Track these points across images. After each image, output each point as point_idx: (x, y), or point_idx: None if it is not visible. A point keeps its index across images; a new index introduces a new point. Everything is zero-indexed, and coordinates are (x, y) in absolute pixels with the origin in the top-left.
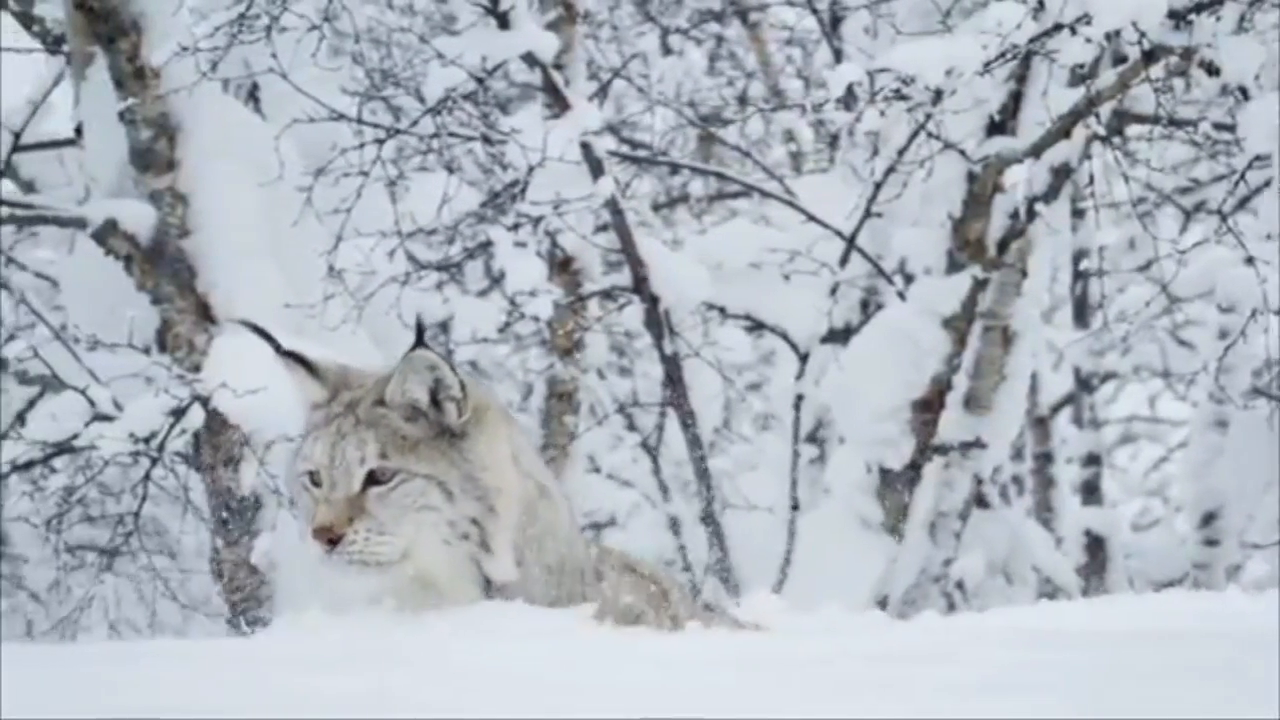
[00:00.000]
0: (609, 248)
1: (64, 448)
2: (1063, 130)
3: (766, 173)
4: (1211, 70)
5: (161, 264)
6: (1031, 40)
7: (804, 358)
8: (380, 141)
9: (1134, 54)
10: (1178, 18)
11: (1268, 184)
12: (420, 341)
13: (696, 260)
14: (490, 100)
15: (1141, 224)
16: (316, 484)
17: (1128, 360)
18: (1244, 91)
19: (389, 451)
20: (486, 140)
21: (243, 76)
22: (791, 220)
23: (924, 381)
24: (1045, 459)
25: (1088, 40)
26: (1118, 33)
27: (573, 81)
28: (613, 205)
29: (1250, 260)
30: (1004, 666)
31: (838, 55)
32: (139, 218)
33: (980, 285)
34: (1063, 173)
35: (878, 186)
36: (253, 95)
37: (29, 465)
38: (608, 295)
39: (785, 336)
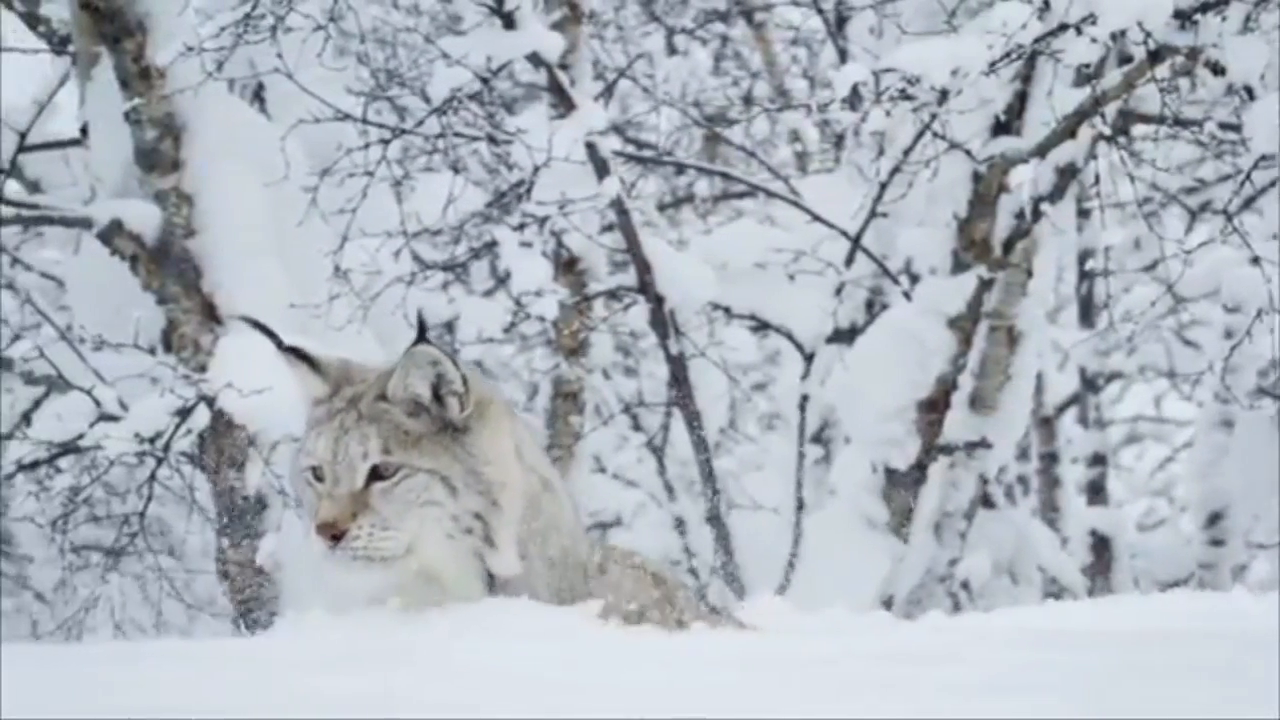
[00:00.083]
0: (614, 248)
1: (69, 448)
2: (1068, 130)
3: (772, 173)
4: (1217, 70)
5: (167, 264)
6: (1037, 40)
7: (809, 358)
8: (385, 141)
9: (1139, 54)
10: (1183, 17)
11: (1273, 184)
12: (422, 337)
13: (702, 260)
14: (495, 100)
15: (1147, 224)
16: (319, 479)
17: (1133, 360)
18: (1249, 91)
19: (392, 447)
20: (492, 140)
21: (248, 76)
22: (797, 220)
23: (929, 381)
24: (1050, 459)
25: (1093, 40)
26: (1123, 32)
27: (578, 81)
28: (618, 205)
29: (1256, 260)
30: (1009, 666)
31: (843, 55)
32: (144, 218)
33: (985, 285)
34: (1068, 173)
35: (883, 186)
36: (258, 95)
37: (34, 465)
38: (613, 295)
39: (790, 336)
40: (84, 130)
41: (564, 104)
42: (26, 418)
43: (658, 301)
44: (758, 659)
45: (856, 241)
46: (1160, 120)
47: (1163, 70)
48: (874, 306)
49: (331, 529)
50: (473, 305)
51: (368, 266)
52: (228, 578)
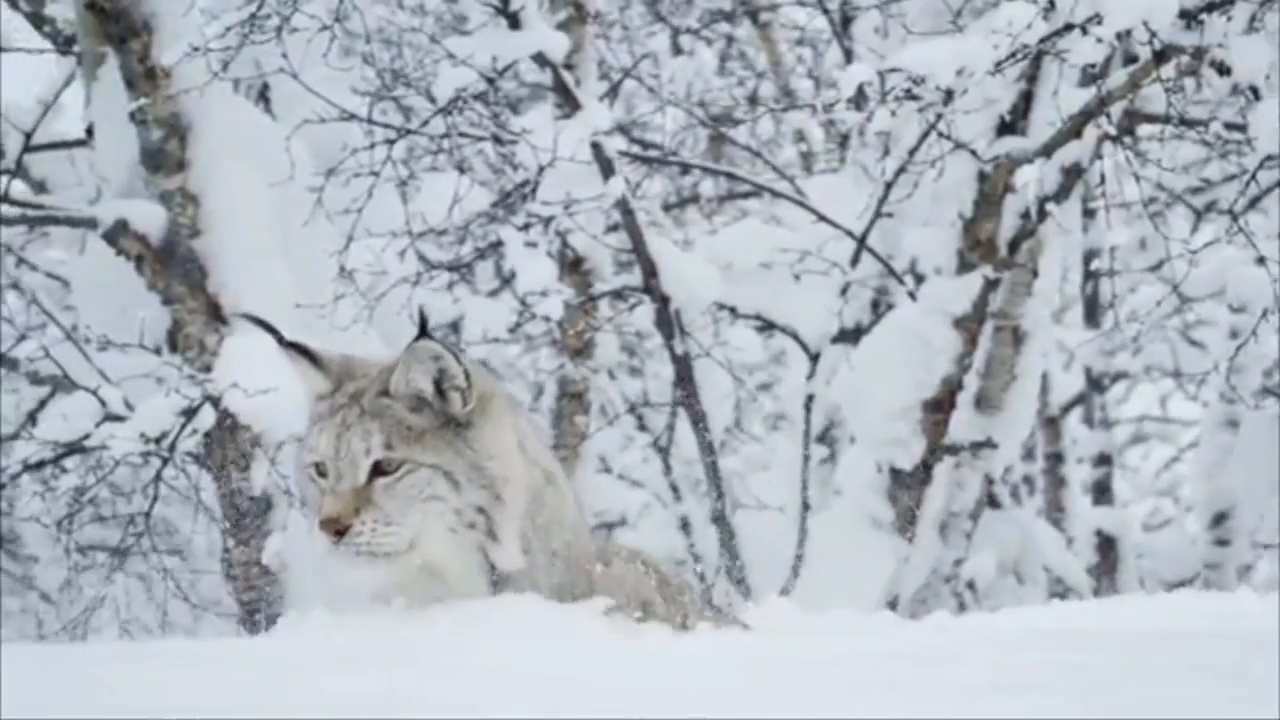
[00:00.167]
0: (620, 248)
1: (75, 448)
2: (1074, 130)
3: (777, 173)
4: (1222, 70)
5: (172, 264)
6: (1042, 40)
7: (815, 358)
8: (391, 142)
9: (1145, 54)
10: (1189, 17)
11: (1279, 184)
12: (424, 332)
13: (707, 260)
14: (501, 100)
15: (1152, 224)
16: (322, 475)
17: (1139, 360)
18: (1255, 91)
19: (394, 442)
20: (497, 140)
21: (253, 77)
22: (802, 220)
23: (935, 381)
24: (1056, 459)
25: (1098, 40)
26: (1128, 32)
27: (583, 81)
28: (623, 205)
29: (1261, 260)
30: (1015, 667)
31: (848, 55)
32: (150, 218)
33: (991, 285)
34: (1073, 172)
35: (888, 186)
36: (263, 95)
37: (40, 465)
38: (618, 295)
39: (796, 336)
40: (89, 130)
41: (569, 104)
42: (32, 418)
43: (663, 301)
44: (762, 659)
45: (862, 241)
46: (1166, 120)
47: (1168, 70)
48: (879, 306)
49: (335, 525)
50: (478, 305)
51: (373, 266)
52: (233, 578)
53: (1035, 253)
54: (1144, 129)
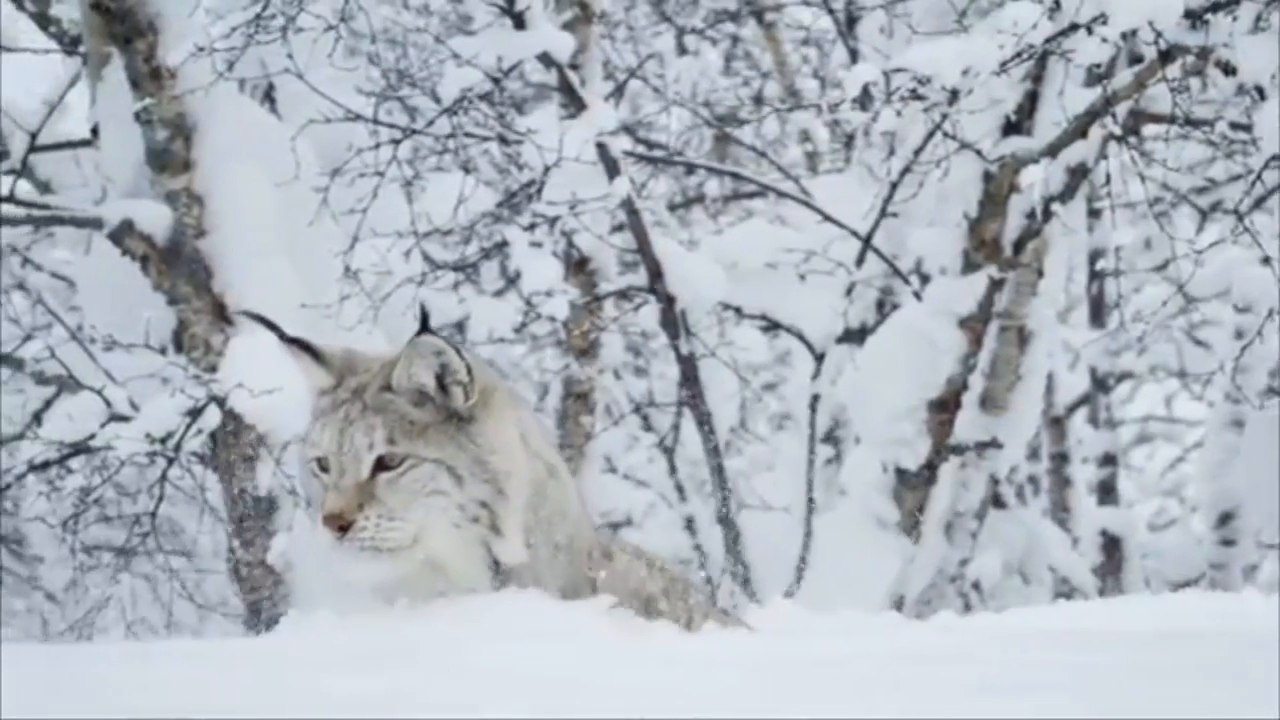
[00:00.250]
0: (625, 248)
1: (80, 448)
2: (1079, 130)
3: (782, 173)
4: (1228, 70)
5: (178, 264)
6: (1048, 40)
7: (820, 358)
8: (396, 142)
9: (1150, 54)
10: (1194, 17)
11: None
12: (425, 326)
13: (712, 260)
14: (506, 100)
15: (1158, 224)
16: (325, 470)
17: (1144, 360)
18: (1260, 91)
19: (397, 437)
20: (502, 140)
21: (259, 77)
22: (807, 220)
23: (940, 381)
24: (1061, 459)
25: (1104, 40)
26: (1134, 32)
27: (588, 81)
28: (628, 205)
29: (1267, 260)
30: (1020, 667)
31: (853, 55)
32: (155, 218)
33: (996, 285)
34: (1079, 172)
35: (894, 186)
36: (269, 96)
37: (46, 465)
38: (623, 295)
39: (801, 336)
40: (95, 131)
41: (574, 104)
42: (38, 418)
43: (668, 301)
44: (766, 659)
45: (867, 241)
46: (1171, 120)
47: (1173, 70)
48: (885, 306)
49: (338, 520)
50: (483, 305)
51: (378, 267)
52: (239, 578)
53: (1040, 253)
54: (1149, 129)
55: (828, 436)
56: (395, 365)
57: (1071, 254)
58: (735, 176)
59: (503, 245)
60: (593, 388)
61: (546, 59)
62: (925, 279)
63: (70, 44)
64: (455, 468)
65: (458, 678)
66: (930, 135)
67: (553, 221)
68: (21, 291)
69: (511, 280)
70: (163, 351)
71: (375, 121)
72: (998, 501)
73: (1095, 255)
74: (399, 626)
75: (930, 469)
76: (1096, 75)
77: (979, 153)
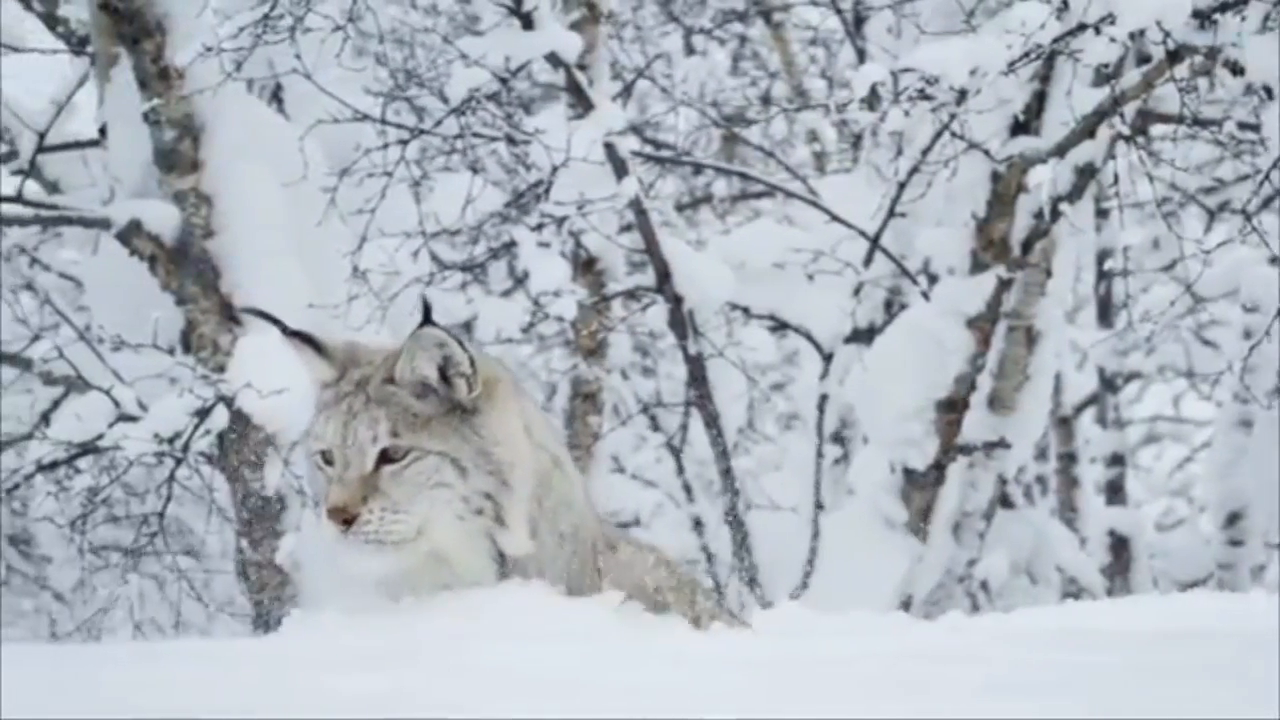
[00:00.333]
0: (633, 248)
1: (89, 448)
2: (1087, 130)
3: (790, 173)
4: (1236, 70)
5: (186, 264)
6: (1055, 40)
7: (828, 358)
8: (404, 142)
9: (1158, 53)
10: (1202, 17)
11: None
12: (428, 319)
13: (720, 260)
14: (514, 100)
15: (1166, 224)
16: (329, 463)
17: (1152, 360)
18: (1268, 91)
19: (400, 429)
20: (510, 140)
21: (267, 77)
22: (815, 220)
23: (948, 381)
24: (1069, 459)
25: (1112, 40)
26: (1142, 32)
27: (596, 82)
28: (636, 205)
29: (1274, 260)
30: (1028, 666)
31: (861, 55)
32: (163, 218)
33: (1004, 285)
34: (1087, 172)
35: (901, 186)
36: (276, 96)
37: (54, 465)
38: (631, 295)
39: (809, 336)
40: (103, 131)
41: (582, 104)
42: (46, 418)
43: (676, 301)
44: (773, 659)
45: (875, 241)
46: (1179, 120)
47: (1182, 70)
48: (892, 306)
49: (342, 514)
50: (491, 305)
51: (386, 267)
52: (247, 578)
53: (1048, 253)
54: (1157, 129)
55: (835, 436)
56: (398, 357)
57: (1079, 254)
58: (743, 176)
59: (510, 245)
60: (600, 388)
61: (554, 59)
62: (933, 279)
63: (78, 44)
64: (459, 460)
65: (461, 677)
66: (938, 135)
67: (560, 221)
68: (29, 291)
69: (519, 280)
70: (170, 352)
71: (383, 122)
72: (1005, 501)
73: (1103, 255)
74: (402, 624)
75: (938, 469)
76: (1104, 75)
77: (987, 153)
